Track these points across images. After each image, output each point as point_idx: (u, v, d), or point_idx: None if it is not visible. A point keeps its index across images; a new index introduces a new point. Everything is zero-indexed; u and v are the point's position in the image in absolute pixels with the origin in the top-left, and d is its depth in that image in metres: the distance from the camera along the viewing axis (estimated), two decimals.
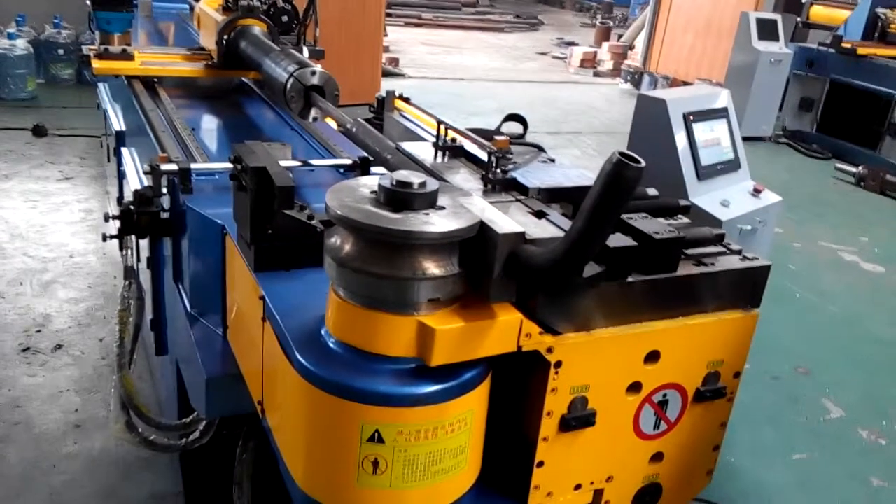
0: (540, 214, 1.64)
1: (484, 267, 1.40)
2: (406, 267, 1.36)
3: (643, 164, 1.21)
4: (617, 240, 1.47)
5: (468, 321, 1.41)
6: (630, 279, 1.50)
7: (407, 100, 3.18)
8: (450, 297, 1.42)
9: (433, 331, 1.37)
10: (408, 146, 2.14)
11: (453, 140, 2.11)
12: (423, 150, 2.15)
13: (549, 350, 1.49)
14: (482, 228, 1.40)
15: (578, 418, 1.56)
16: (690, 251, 1.64)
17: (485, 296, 1.41)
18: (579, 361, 1.52)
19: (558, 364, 1.50)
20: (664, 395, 1.66)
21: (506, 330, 1.44)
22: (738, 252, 1.70)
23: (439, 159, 2.08)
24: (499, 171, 1.85)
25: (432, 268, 1.37)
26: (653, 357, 1.60)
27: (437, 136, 2.14)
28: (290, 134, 2.97)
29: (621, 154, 1.21)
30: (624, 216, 1.53)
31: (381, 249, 1.37)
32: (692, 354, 1.66)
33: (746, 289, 1.67)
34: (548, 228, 1.58)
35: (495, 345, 1.44)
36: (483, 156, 2.00)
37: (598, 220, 1.25)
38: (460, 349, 1.41)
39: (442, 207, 1.48)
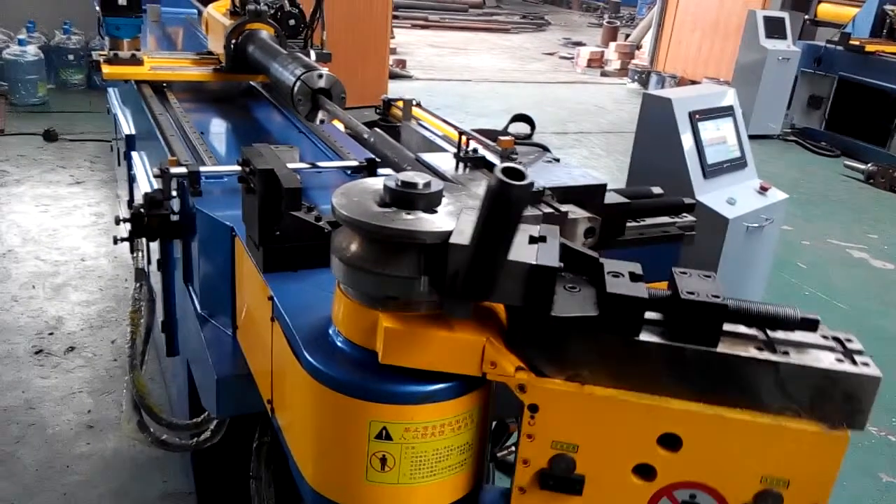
0: (535, 240, 1.43)
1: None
2: (409, 266, 1.38)
3: (529, 179, 1.13)
4: (621, 286, 1.26)
5: (418, 327, 1.38)
6: (645, 338, 1.25)
7: (418, 105, 3.14)
8: None
9: (383, 327, 1.38)
10: (428, 157, 2.06)
11: (475, 150, 2.03)
12: (444, 161, 2.06)
13: (521, 388, 1.35)
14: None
15: (560, 480, 1.37)
16: (766, 332, 1.27)
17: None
18: (564, 414, 1.34)
19: (534, 408, 1.34)
20: (692, 496, 1.36)
21: (463, 350, 1.36)
22: (843, 349, 1.27)
23: (461, 170, 1.99)
24: None
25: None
26: (671, 442, 1.32)
27: (459, 147, 2.06)
28: (297, 136, 2.99)
29: (504, 171, 1.13)
30: (675, 271, 1.29)
31: (386, 249, 1.39)
32: (734, 457, 1.31)
33: (838, 401, 1.23)
34: (524, 253, 1.36)
35: (454, 363, 1.37)
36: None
37: (488, 240, 1.19)
38: (411, 355, 1.39)
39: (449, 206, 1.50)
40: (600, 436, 1.35)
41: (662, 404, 1.29)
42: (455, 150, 2.15)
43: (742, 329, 1.26)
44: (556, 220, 1.66)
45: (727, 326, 1.23)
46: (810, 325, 1.28)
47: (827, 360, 1.22)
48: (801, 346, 1.25)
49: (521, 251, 1.30)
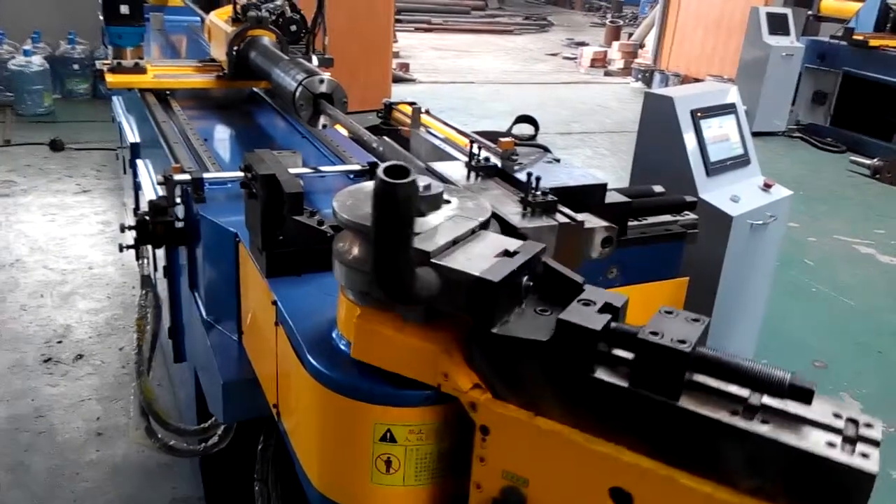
0: (509, 254, 1.34)
1: None
2: None
3: (411, 177, 1.11)
4: (577, 313, 1.17)
5: (384, 327, 1.38)
6: (601, 376, 1.13)
7: (427, 112, 3.11)
8: None
9: (354, 321, 1.40)
10: (438, 166, 2.00)
11: (486, 159, 1.96)
12: (455, 170, 1.99)
13: (473, 407, 1.29)
14: None
15: None
16: (760, 394, 1.07)
17: None
18: (516, 443, 1.26)
19: (485, 430, 1.28)
20: None
21: (418, 356, 1.34)
22: (851, 434, 1.03)
23: (472, 179, 1.92)
24: (539, 193, 1.68)
25: None
26: (622, 498, 1.17)
27: (470, 156, 1.98)
28: (300, 142, 3.01)
29: (386, 171, 1.11)
30: (662, 310, 1.17)
31: None
32: None
33: (821, 492, 1.02)
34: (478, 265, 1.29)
35: (411, 369, 1.36)
36: (521, 176, 1.84)
37: (383, 240, 1.18)
38: (376, 353, 1.40)
39: (448, 201, 1.51)
40: (550, 474, 1.24)
41: (614, 454, 1.15)
42: (466, 158, 2.10)
43: (730, 387, 1.08)
44: (572, 229, 1.63)
45: (711, 381, 1.09)
46: (801, 394, 1.03)
47: (814, 441, 1.00)
48: (792, 418, 1.03)
49: (474, 263, 1.27)
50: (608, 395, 1.13)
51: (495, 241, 1.38)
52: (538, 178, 1.67)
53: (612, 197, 1.82)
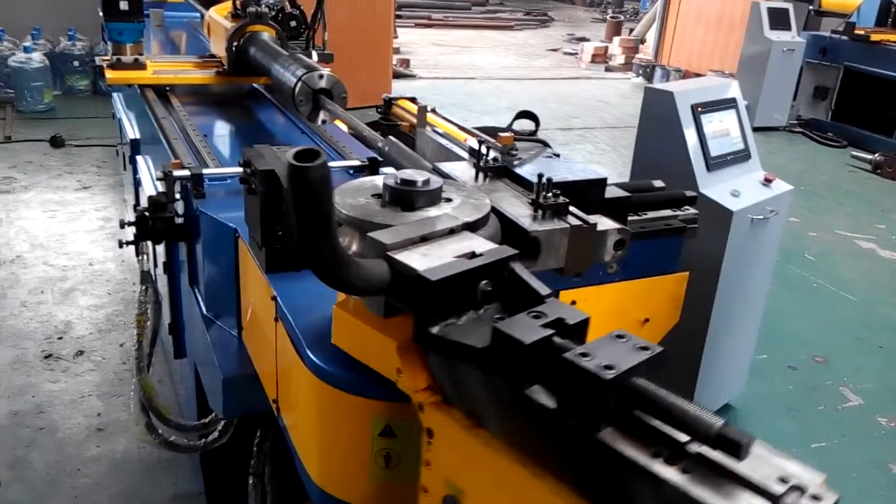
0: (472, 255, 1.31)
1: None
2: None
3: (322, 159, 1.09)
4: (516, 325, 1.11)
5: (357, 317, 1.38)
6: (532, 393, 1.06)
7: (433, 110, 3.03)
8: None
9: (333, 307, 1.41)
10: (446, 166, 1.93)
11: (495, 160, 1.89)
12: (463, 171, 1.91)
13: (420, 408, 1.27)
14: None
15: None
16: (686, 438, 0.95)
17: None
18: (456, 451, 1.22)
19: (430, 433, 1.26)
20: None
21: (379, 349, 1.33)
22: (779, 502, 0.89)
23: (481, 181, 1.85)
24: (550, 195, 1.61)
25: None
26: None
27: (478, 156, 1.89)
28: (300, 137, 3.01)
29: (296, 155, 1.10)
30: (615, 334, 1.08)
31: None
32: None
33: None
34: (428, 263, 1.25)
35: (375, 361, 1.36)
36: (530, 176, 1.77)
37: (302, 223, 1.15)
38: (348, 342, 1.42)
39: (449, 200, 1.51)
40: (483, 490, 1.19)
41: (538, 481, 1.07)
42: (473, 158, 2.00)
43: (670, 429, 0.97)
44: (584, 232, 1.59)
45: (655, 422, 0.99)
46: (729, 447, 0.90)
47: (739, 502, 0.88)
48: (724, 474, 0.91)
49: (427, 260, 1.25)
50: (536, 415, 1.06)
51: (469, 243, 1.35)
52: (549, 180, 1.62)
53: (611, 192, 1.81)
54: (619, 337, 1.06)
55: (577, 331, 1.13)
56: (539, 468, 1.08)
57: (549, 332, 1.09)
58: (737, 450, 0.89)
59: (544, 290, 1.22)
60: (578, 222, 1.59)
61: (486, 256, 1.27)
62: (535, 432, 1.08)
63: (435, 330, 1.19)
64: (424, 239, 1.33)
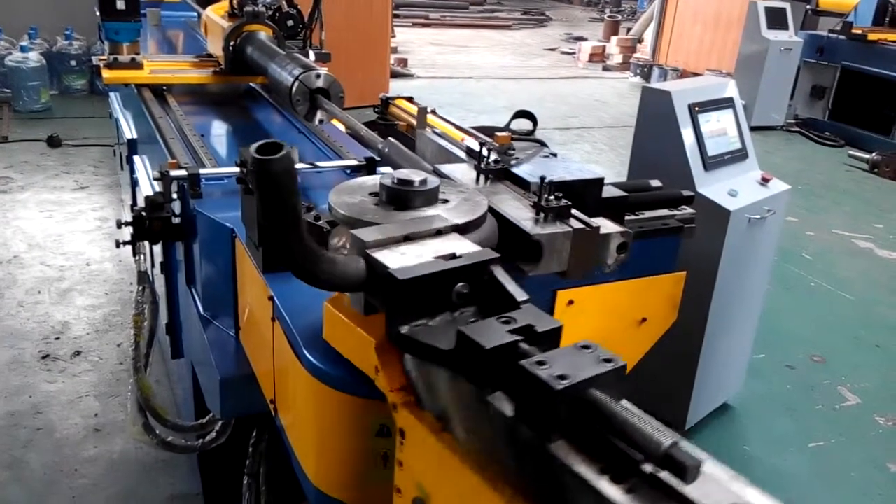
0: (448, 257, 1.30)
1: None
2: None
3: (284, 151, 1.10)
4: (483, 330, 1.10)
5: (340, 313, 1.38)
6: (494, 399, 1.04)
7: (433, 112, 3.03)
8: None
9: (325, 304, 1.41)
10: (446, 168, 1.90)
11: (496, 162, 1.86)
12: (464, 173, 1.88)
13: (394, 408, 1.26)
14: None
15: None
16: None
17: None
18: (425, 454, 1.21)
19: (402, 433, 1.25)
20: None
21: (359, 346, 1.33)
22: None
23: (482, 182, 1.83)
24: (552, 198, 1.59)
25: None
26: None
27: (479, 158, 1.87)
28: (297, 137, 3.00)
29: (259, 149, 1.10)
30: (580, 344, 1.05)
31: None
32: None
33: None
34: (404, 262, 1.25)
35: (360, 360, 1.35)
36: (528, 177, 1.76)
37: (267, 215, 1.16)
38: (335, 337, 1.42)
39: (446, 201, 1.51)
40: (447, 496, 1.18)
41: (495, 493, 1.05)
42: (474, 160, 1.96)
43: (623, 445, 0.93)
44: (588, 235, 1.57)
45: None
46: (675, 467, 0.86)
47: None
48: (673, 496, 0.86)
49: (404, 259, 1.24)
50: (495, 422, 1.04)
51: (452, 244, 1.33)
52: (551, 183, 1.60)
53: (608, 191, 1.81)
54: (585, 347, 1.03)
55: (547, 339, 1.10)
56: (499, 477, 1.06)
57: (515, 338, 1.08)
58: (682, 472, 0.85)
59: (521, 295, 1.20)
60: (581, 225, 1.58)
61: (465, 259, 1.26)
62: (494, 440, 1.06)
63: (404, 329, 1.18)
64: (408, 238, 1.32)
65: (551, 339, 1.11)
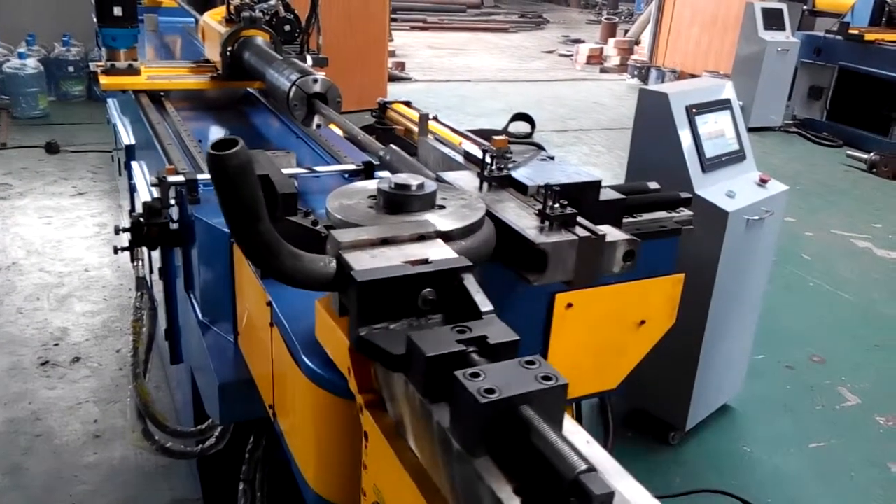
0: (416, 262, 1.30)
1: None
2: None
3: (240, 144, 1.11)
4: (429, 335, 1.11)
5: (325, 312, 1.39)
6: (436, 409, 1.04)
7: (435, 118, 2.97)
8: None
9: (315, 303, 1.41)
10: (449, 176, 1.88)
11: (500, 169, 1.84)
12: (467, 180, 1.86)
13: (361, 409, 1.28)
14: None
15: None
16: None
17: None
18: (383, 458, 1.21)
19: (366, 436, 1.26)
20: None
21: (338, 348, 1.33)
22: None
23: (485, 190, 1.80)
24: (556, 206, 1.57)
25: None
26: None
27: (482, 165, 1.84)
28: (295, 142, 3.00)
29: (214, 145, 1.11)
30: (530, 359, 1.02)
31: None
32: None
33: None
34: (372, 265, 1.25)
35: (338, 360, 1.36)
36: (527, 181, 1.76)
37: (226, 210, 1.17)
38: (323, 337, 1.42)
39: (442, 207, 1.51)
40: (393, 502, 1.18)
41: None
42: (477, 167, 1.97)
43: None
44: (593, 243, 1.54)
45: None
46: (581, 496, 0.83)
47: None
48: None
49: (374, 262, 1.24)
50: (436, 431, 1.02)
51: (428, 250, 1.31)
52: (556, 190, 1.57)
53: (606, 194, 1.81)
54: (529, 363, 1.00)
55: (500, 351, 1.08)
56: (439, 488, 1.05)
57: (462, 347, 1.06)
58: (587, 501, 0.81)
59: (486, 305, 1.19)
60: (587, 233, 1.55)
61: (434, 265, 1.24)
62: (433, 450, 1.05)
63: (363, 332, 1.18)
64: (386, 242, 1.31)
65: (505, 351, 1.08)
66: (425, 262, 1.26)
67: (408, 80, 12.41)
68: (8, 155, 7.37)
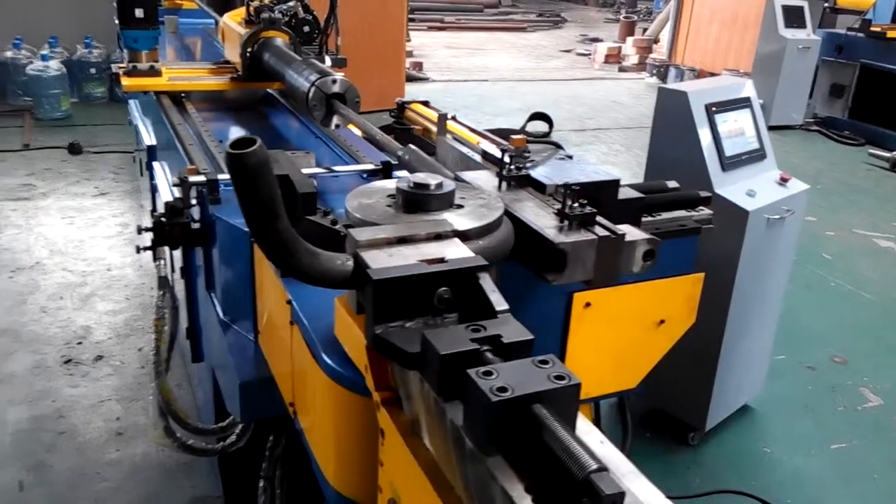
0: (432, 261, 1.31)
1: None
2: None
3: (258, 143, 1.13)
4: (444, 334, 1.10)
5: (343, 310, 1.39)
6: (445, 406, 1.05)
7: (453, 118, 3.01)
8: None
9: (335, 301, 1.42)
10: (468, 175, 1.87)
11: (518, 168, 1.82)
12: (485, 180, 1.85)
13: (377, 407, 1.29)
14: None
15: None
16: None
17: None
18: (399, 456, 1.21)
19: (382, 434, 1.27)
20: None
21: (356, 346, 1.34)
22: None
23: (504, 189, 1.79)
24: (576, 205, 1.56)
25: None
26: None
27: (501, 165, 1.83)
28: (314, 142, 3.02)
29: (233, 144, 1.13)
30: (544, 358, 1.02)
31: None
32: None
33: None
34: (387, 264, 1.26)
35: (356, 357, 1.36)
36: (545, 180, 1.75)
37: (245, 208, 1.18)
38: (342, 334, 1.43)
39: (461, 206, 1.52)
40: (411, 500, 1.18)
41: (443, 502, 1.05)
42: (496, 167, 1.93)
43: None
44: (613, 243, 1.54)
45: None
46: (592, 495, 0.82)
47: None
48: None
49: (390, 261, 1.25)
50: (450, 429, 1.02)
51: (445, 249, 1.31)
52: (575, 189, 1.56)
53: (625, 193, 1.81)
54: (542, 362, 1.00)
55: (514, 350, 1.08)
56: (453, 486, 1.06)
57: (476, 346, 1.06)
58: (598, 501, 0.81)
59: (501, 305, 1.19)
60: (606, 233, 1.54)
61: (450, 264, 1.25)
62: (447, 448, 1.05)
63: (378, 330, 1.19)
64: (403, 241, 1.32)
65: (519, 350, 1.08)
66: (441, 261, 1.26)
67: (425, 80, 12.42)
68: (31, 156, 7.47)
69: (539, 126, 9.02)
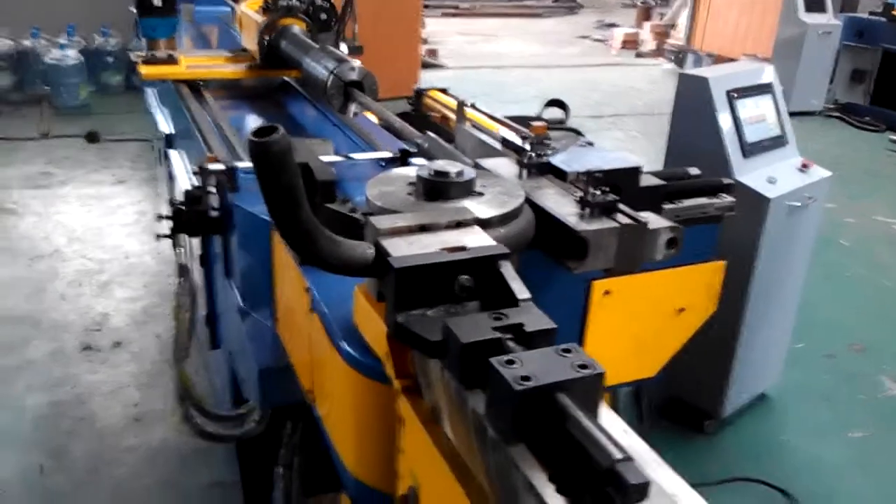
0: (452, 249, 1.30)
1: None
2: None
3: (280, 131, 1.13)
4: (466, 322, 1.10)
5: (363, 297, 1.39)
6: (468, 396, 1.04)
7: (472, 105, 2.96)
8: None
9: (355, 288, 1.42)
10: (488, 163, 1.86)
11: (539, 156, 1.81)
12: (505, 167, 1.83)
13: (397, 395, 1.30)
14: None
15: None
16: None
17: None
18: (419, 444, 1.22)
19: (401, 421, 1.28)
20: None
21: (376, 334, 1.33)
22: None
23: (524, 177, 1.78)
24: (598, 192, 1.54)
25: None
26: None
27: (522, 152, 1.82)
28: (332, 130, 3.01)
29: (256, 132, 1.13)
30: (564, 347, 1.00)
31: None
32: None
33: None
34: (409, 252, 1.25)
35: (376, 345, 1.36)
36: (566, 167, 1.73)
37: (268, 195, 1.18)
38: (361, 322, 1.42)
39: (481, 194, 1.51)
40: (432, 490, 1.18)
41: (462, 490, 1.05)
42: (516, 154, 1.92)
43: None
44: (635, 231, 1.52)
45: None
46: (617, 484, 0.81)
47: None
48: None
49: (411, 249, 1.24)
50: (471, 418, 1.02)
51: (466, 237, 1.31)
52: (596, 177, 1.55)
53: (646, 180, 1.79)
54: (566, 351, 0.99)
55: (537, 339, 1.07)
56: (475, 475, 1.05)
57: (498, 335, 1.06)
58: (623, 490, 0.80)
59: (523, 293, 1.18)
60: (628, 220, 1.52)
61: (470, 252, 1.24)
62: (469, 437, 1.05)
63: (400, 318, 1.18)
64: (424, 228, 1.32)
65: (542, 339, 1.07)
66: (462, 248, 1.26)
67: (440, 67, 12.37)
68: (49, 144, 7.52)
69: (555, 113, 8.96)
